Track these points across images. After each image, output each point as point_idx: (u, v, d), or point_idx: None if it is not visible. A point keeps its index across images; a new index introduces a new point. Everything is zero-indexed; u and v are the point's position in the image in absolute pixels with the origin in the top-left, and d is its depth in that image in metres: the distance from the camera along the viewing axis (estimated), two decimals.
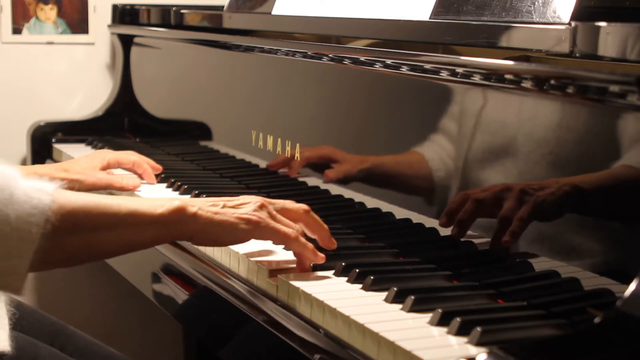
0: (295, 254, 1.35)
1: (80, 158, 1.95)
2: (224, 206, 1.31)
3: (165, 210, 1.26)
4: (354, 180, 1.62)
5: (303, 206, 1.38)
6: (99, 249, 1.24)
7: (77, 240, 1.20)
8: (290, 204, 1.38)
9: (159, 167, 1.98)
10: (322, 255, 1.35)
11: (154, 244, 1.32)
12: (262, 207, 1.33)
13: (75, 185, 1.80)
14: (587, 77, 1.14)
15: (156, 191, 1.89)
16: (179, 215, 1.27)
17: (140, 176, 1.95)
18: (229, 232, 1.31)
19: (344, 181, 1.63)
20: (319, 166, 1.71)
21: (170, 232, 1.28)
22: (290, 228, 1.33)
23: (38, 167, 1.88)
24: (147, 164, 1.96)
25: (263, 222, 1.31)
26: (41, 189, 1.15)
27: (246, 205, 1.32)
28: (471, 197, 1.34)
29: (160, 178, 1.96)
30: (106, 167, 1.91)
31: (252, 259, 1.39)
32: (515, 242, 1.26)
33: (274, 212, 1.34)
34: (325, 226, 1.39)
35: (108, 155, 1.93)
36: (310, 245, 1.34)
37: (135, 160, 1.95)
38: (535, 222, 1.23)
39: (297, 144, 1.75)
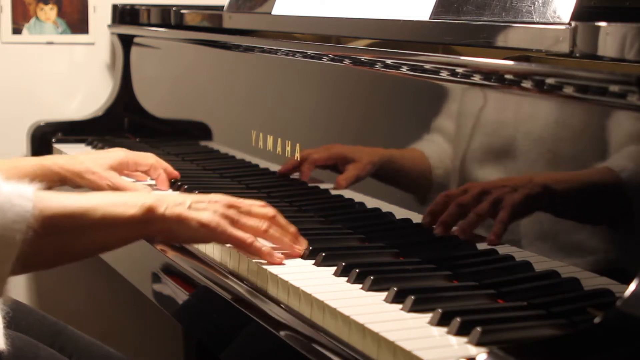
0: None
1: (96, 152, 1.88)
2: (189, 206, 1.32)
3: (138, 210, 1.27)
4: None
5: (269, 212, 1.39)
6: (73, 251, 1.26)
7: (54, 244, 1.22)
8: (256, 208, 1.38)
9: (176, 174, 1.90)
10: (278, 256, 1.37)
11: (124, 244, 1.33)
12: (228, 208, 1.35)
13: (84, 184, 1.75)
14: (587, 77, 1.13)
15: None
16: (149, 215, 1.28)
17: (155, 180, 1.88)
18: (189, 233, 1.33)
19: (356, 184, 1.62)
20: (328, 167, 1.70)
21: (140, 231, 1.31)
22: (248, 233, 1.35)
23: (50, 157, 1.80)
24: (164, 170, 1.88)
25: (220, 228, 1.33)
26: (22, 195, 1.16)
27: (210, 207, 1.34)
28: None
29: None
30: (122, 167, 1.83)
31: (253, 260, 1.39)
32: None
33: (236, 218, 1.35)
34: (292, 229, 1.40)
35: (128, 155, 1.85)
36: (265, 248, 1.37)
37: (152, 163, 1.88)
38: (535, 221, 1.23)
39: (297, 144, 1.75)
